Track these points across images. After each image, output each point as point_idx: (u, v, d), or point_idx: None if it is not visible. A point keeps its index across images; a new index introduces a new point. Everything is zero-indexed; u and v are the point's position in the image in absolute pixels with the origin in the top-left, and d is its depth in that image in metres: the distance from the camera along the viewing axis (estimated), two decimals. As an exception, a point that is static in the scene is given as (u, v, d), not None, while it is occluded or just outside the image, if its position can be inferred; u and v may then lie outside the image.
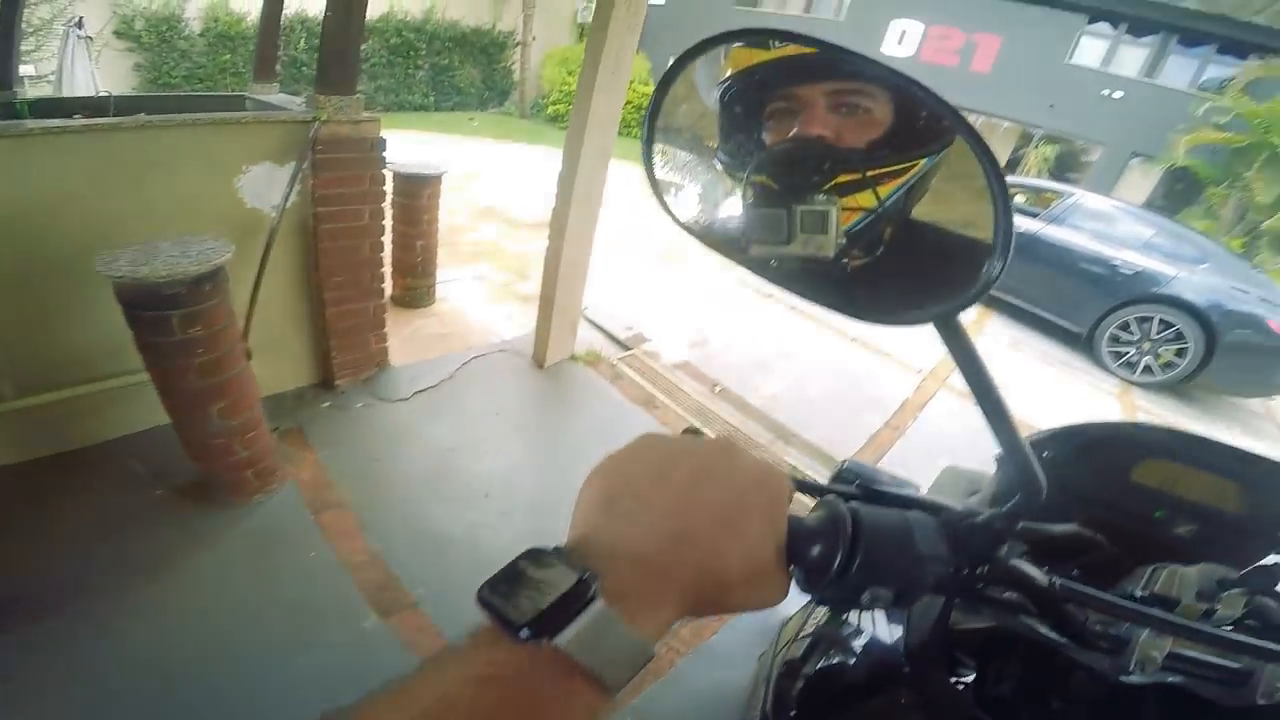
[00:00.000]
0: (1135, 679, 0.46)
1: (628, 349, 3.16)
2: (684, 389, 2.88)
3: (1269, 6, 8.51)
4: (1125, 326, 4.55)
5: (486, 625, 0.26)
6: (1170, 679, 0.47)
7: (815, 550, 0.37)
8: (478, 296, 3.50)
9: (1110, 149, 10.45)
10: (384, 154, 2.16)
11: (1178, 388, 4.48)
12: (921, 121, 0.42)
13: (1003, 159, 5.46)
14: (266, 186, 1.97)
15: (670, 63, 0.49)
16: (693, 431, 0.40)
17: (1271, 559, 0.69)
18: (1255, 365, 4.26)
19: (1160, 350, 4.41)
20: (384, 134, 2.14)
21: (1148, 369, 4.48)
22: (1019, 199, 5.41)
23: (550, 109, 11.35)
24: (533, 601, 0.26)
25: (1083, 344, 4.82)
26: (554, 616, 0.25)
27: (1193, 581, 0.54)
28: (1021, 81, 10.34)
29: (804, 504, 0.43)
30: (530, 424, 2.49)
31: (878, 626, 0.71)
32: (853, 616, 0.75)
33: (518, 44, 11.46)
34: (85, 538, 1.67)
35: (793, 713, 0.68)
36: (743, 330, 3.85)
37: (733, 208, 0.50)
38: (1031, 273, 4.97)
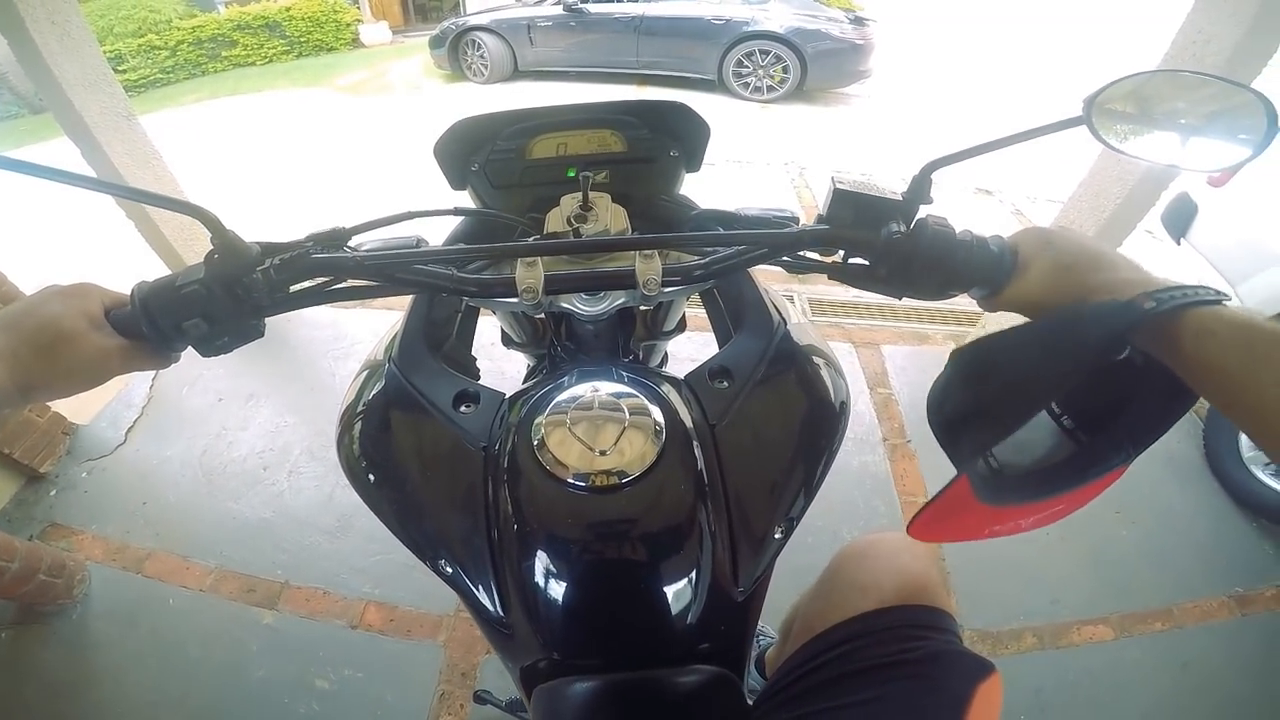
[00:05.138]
0: (655, 296, 0.52)
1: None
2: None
3: None
4: (740, 64, 5.46)
5: None
6: (674, 289, 0.54)
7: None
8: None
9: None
10: None
11: (797, 94, 5.56)
12: None
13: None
14: None
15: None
16: None
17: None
18: (837, 64, 5.48)
19: (771, 72, 5.43)
20: None
21: (771, 88, 5.49)
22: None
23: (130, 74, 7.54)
24: None
25: (719, 86, 5.69)
26: None
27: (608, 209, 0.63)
28: None
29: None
30: (258, 388, 2.26)
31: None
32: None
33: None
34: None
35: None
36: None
37: None
38: (655, 45, 5.72)
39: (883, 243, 0.48)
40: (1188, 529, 1.83)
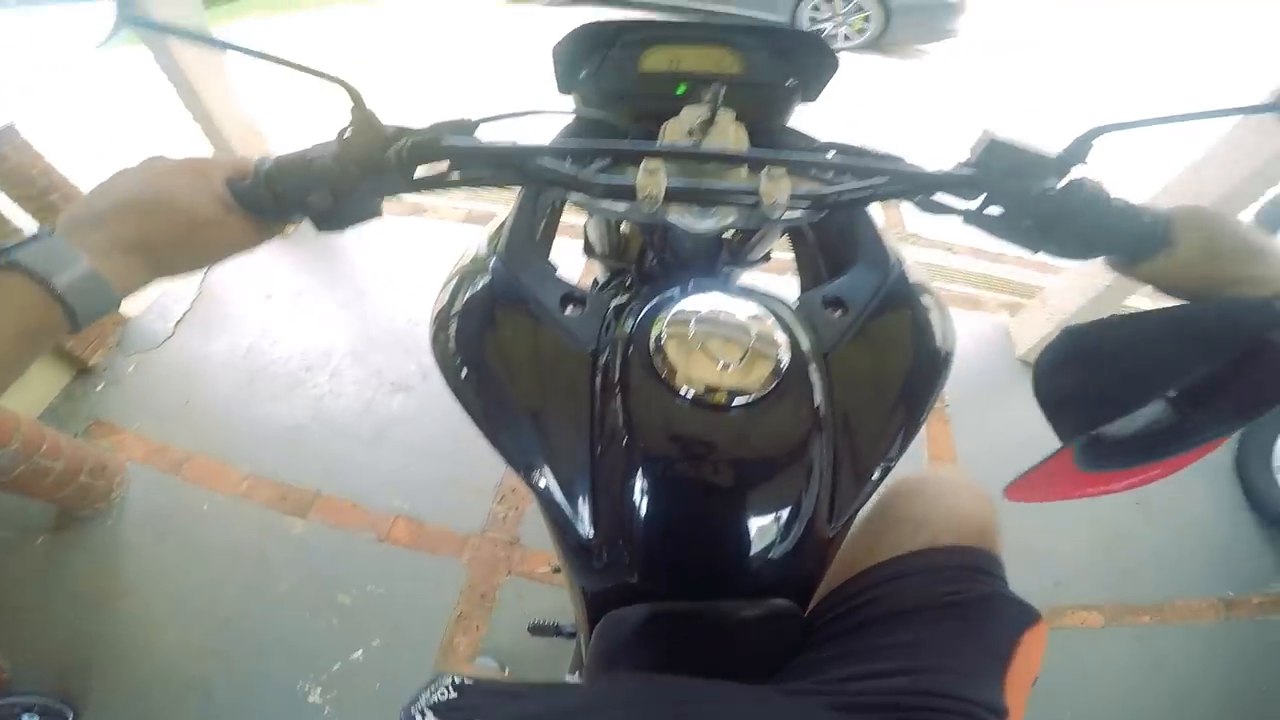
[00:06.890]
0: (777, 219, 0.51)
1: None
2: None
3: None
4: (816, 8, 5.10)
5: None
6: (797, 213, 0.52)
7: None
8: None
9: None
10: None
11: (876, 46, 5.17)
12: None
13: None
14: None
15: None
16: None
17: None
18: (924, 19, 5.04)
19: (850, 21, 5.07)
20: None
21: (846, 37, 5.13)
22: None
23: None
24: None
25: (790, 31, 5.31)
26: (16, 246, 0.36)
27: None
28: None
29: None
30: (307, 286, 2.28)
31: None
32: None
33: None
34: (29, 610, 1.50)
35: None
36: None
37: None
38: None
39: (1034, 196, 0.48)
40: (1202, 530, 1.81)
